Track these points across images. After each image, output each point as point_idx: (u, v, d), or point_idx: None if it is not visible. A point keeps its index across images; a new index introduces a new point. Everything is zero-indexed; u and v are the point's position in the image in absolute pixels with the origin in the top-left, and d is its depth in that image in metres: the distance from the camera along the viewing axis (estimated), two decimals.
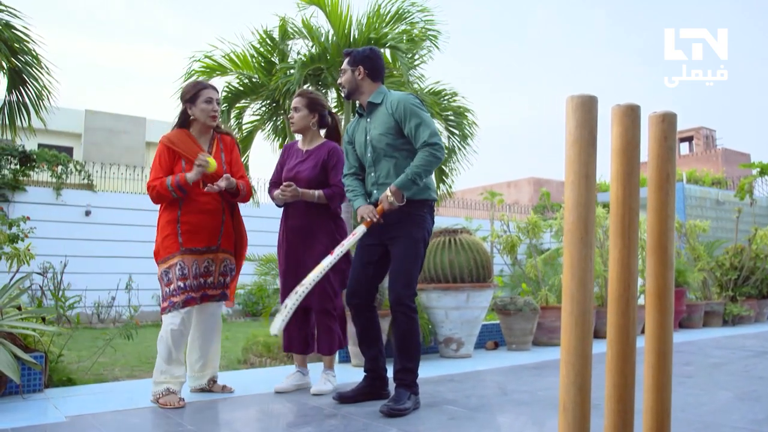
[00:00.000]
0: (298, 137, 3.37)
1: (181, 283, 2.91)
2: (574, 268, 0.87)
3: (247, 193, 3.14)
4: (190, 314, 2.97)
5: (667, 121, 0.93)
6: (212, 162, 2.93)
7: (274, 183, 3.30)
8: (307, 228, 3.17)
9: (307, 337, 3.28)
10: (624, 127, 0.91)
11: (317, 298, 3.12)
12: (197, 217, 2.98)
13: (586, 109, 0.87)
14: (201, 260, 3.00)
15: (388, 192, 2.75)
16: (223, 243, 3.08)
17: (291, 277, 3.14)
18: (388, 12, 5.57)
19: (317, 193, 3.15)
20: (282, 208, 3.28)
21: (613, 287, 0.92)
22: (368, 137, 2.93)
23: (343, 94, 3.04)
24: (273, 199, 3.24)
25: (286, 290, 3.12)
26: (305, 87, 3.29)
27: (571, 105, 0.88)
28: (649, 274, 0.96)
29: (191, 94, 3.04)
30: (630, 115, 0.91)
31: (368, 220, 2.82)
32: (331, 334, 3.20)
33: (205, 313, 3.11)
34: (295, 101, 3.27)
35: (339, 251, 2.77)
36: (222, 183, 2.95)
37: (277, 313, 2.71)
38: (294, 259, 3.17)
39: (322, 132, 3.36)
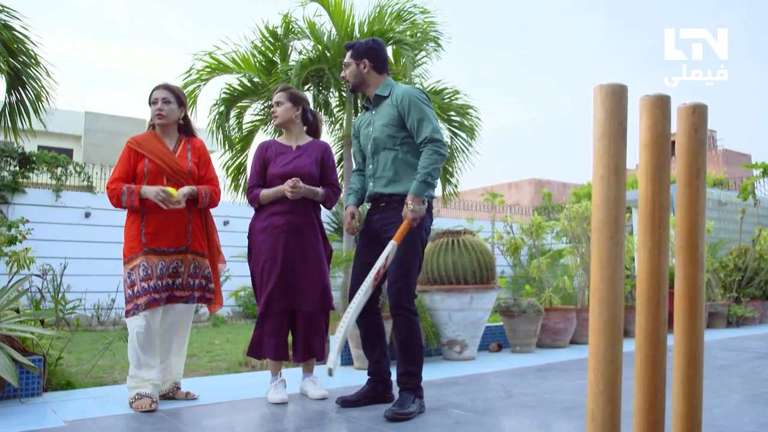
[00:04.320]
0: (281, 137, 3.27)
1: (144, 284, 2.83)
2: (604, 269, 0.82)
3: (212, 199, 3.05)
4: (155, 315, 2.86)
5: (698, 112, 0.88)
6: (173, 192, 2.86)
7: (257, 185, 3.12)
8: (306, 226, 3.08)
9: (281, 343, 3.07)
10: (654, 118, 0.86)
11: (320, 300, 3.05)
12: (161, 216, 2.91)
13: (616, 98, 0.82)
14: (168, 261, 2.92)
15: (408, 203, 2.66)
16: (193, 244, 3.00)
17: (288, 276, 3.01)
18: (390, 12, 5.54)
19: (320, 191, 3.10)
20: (262, 204, 3.11)
21: (641, 289, 0.87)
22: (372, 128, 2.89)
23: (348, 88, 3.00)
24: (255, 201, 3.09)
25: (284, 290, 3.00)
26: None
27: (599, 95, 0.83)
28: (679, 275, 0.91)
29: (148, 97, 3.06)
30: (660, 106, 0.86)
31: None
32: (321, 335, 3.12)
33: (170, 314, 2.99)
34: (277, 96, 3.19)
35: (373, 273, 2.61)
36: (181, 204, 2.89)
37: (331, 352, 2.45)
38: (291, 257, 3.02)
39: (304, 129, 3.27)
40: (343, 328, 2.42)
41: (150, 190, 2.86)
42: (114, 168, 3.00)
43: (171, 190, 2.87)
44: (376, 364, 2.94)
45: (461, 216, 15.17)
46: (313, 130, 3.30)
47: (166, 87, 3.08)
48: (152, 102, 3.03)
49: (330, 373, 2.35)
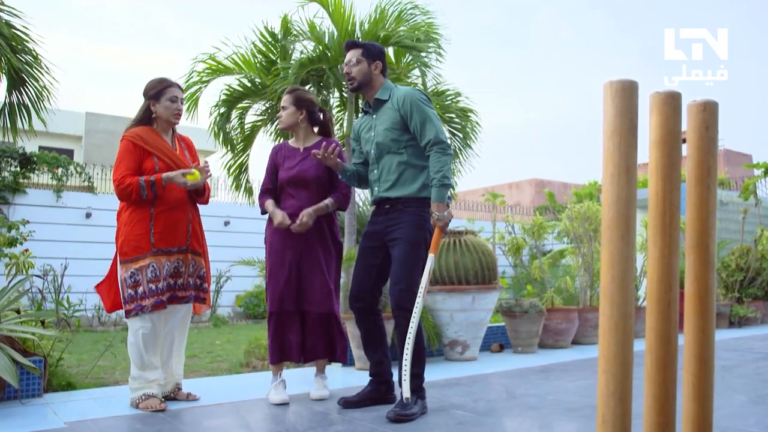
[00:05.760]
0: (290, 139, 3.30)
1: (152, 286, 2.82)
2: (614, 269, 0.81)
3: (207, 196, 3.12)
4: (160, 316, 2.88)
5: (709, 110, 0.87)
6: (197, 174, 2.93)
7: (268, 190, 3.16)
8: (315, 228, 3.06)
9: (299, 344, 3.10)
10: (664, 116, 0.85)
11: (326, 302, 3.04)
12: (170, 215, 2.90)
13: (627, 95, 0.81)
14: (172, 261, 2.92)
15: (434, 212, 2.69)
16: (192, 243, 3.00)
17: (296, 278, 3.02)
18: (392, 13, 5.51)
19: (329, 203, 3.08)
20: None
21: (652, 289, 0.86)
22: (374, 133, 2.88)
23: (350, 86, 2.94)
24: (262, 208, 3.14)
25: (292, 292, 3.01)
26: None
27: (609, 91, 0.81)
28: (689, 275, 0.90)
29: (156, 91, 2.97)
30: (670, 103, 0.84)
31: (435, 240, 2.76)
32: (343, 337, 3.15)
33: (172, 315, 2.99)
34: (283, 100, 3.21)
35: (423, 288, 2.63)
36: (199, 184, 2.95)
37: (400, 380, 2.53)
38: (299, 259, 3.04)
39: (315, 130, 3.27)
40: (407, 357, 2.51)
41: (176, 175, 2.87)
42: (117, 164, 2.91)
43: (196, 172, 2.92)
44: (378, 365, 2.93)
45: (462, 216, 15.15)
46: (324, 129, 3.29)
47: (180, 87, 3.09)
48: (170, 99, 2.98)
49: (407, 401, 2.54)
